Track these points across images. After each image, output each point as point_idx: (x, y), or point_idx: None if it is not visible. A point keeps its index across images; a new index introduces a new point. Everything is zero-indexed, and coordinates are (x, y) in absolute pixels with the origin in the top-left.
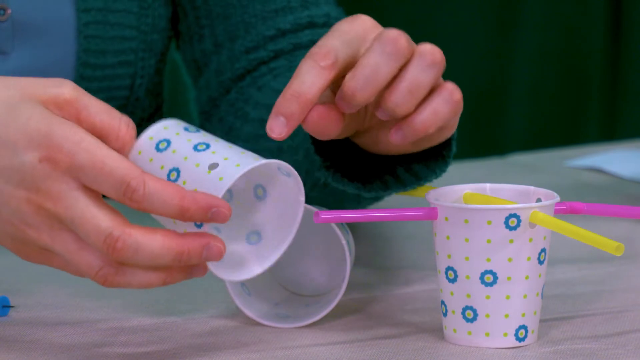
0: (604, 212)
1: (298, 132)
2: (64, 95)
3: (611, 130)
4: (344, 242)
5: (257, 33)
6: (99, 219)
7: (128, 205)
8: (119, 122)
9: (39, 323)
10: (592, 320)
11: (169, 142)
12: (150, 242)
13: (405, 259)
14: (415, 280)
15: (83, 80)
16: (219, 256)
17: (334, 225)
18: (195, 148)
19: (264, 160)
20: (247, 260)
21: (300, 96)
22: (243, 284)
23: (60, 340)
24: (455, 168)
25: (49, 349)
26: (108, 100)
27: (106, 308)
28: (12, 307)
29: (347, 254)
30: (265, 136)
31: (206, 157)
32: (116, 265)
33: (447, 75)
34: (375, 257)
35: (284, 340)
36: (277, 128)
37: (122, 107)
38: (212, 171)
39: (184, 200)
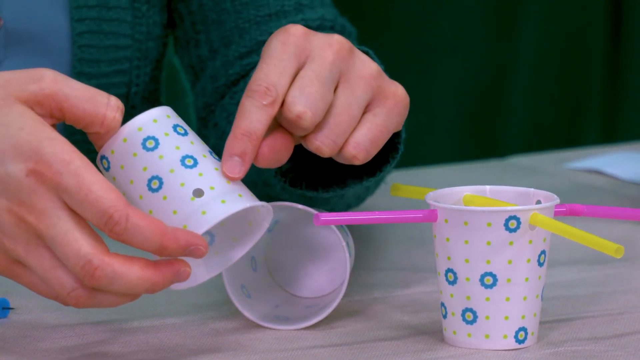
0: (603, 214)
1: None
2: (44, 91)
3: (611, 132)
4: (343, 244)
5: (250, 38)
6: (80, 243)
7: (107, 235)
8: (105, 109)
9: (39, 325)
10: (592, 322)
11: (157, 142)
12: (127, 272)
13: (405, 261)
14: (415, 282)
15: None
16: (186, 279)
17: (334, 227)
18: (183, 162)
19: (248, 204)
20: (194, 268)
21: (252, 134)
22: (243, 285)
23: (60, 342)
24: (455, 170)
25: (48, 350)
26: None
27: (106, 310)
28: (12, 309)
29: (347, 255)
30: None
31: (192, 178)
32: (89, 289)
33: (449, 78)
34: (375, 259)
35: (283, 342)
36: (234, 168)
37: None
38: (196, 199)
39: (164, 238)
